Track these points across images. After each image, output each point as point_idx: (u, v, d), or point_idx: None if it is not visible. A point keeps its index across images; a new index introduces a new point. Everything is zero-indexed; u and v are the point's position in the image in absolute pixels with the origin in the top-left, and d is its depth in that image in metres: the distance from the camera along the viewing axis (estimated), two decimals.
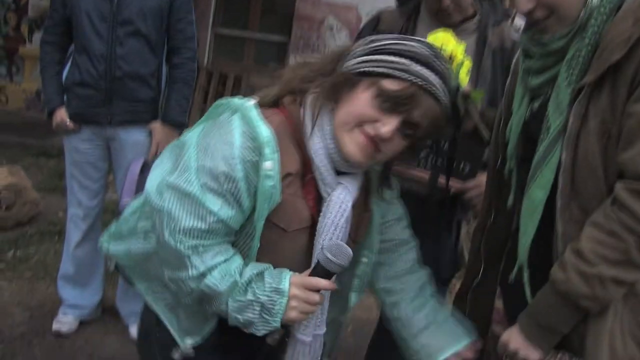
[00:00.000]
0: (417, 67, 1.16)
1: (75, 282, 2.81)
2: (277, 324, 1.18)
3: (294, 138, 1.22)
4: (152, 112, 2.61)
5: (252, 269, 1.19)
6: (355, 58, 1.21)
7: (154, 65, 2.56)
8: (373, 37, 1.24)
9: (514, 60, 1.46)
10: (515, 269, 1.29)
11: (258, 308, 1.17)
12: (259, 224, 1.17)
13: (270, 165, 1.13)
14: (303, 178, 1.23)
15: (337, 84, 1.20)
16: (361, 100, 1.17)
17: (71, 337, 2.77)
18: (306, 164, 1.23)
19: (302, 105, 1.24)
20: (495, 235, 1.44)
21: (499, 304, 1.47)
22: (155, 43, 2.55)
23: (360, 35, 2.03)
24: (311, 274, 1.20)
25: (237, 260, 1.19)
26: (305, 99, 1.23)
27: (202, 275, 1.16)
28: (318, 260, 1.19)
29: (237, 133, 1.14)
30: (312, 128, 1.21)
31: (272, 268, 1.21)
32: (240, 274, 1.18)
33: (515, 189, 1.36)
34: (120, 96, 2.52)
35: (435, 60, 1.19)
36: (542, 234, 1.23)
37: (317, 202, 1.25)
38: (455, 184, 1.87)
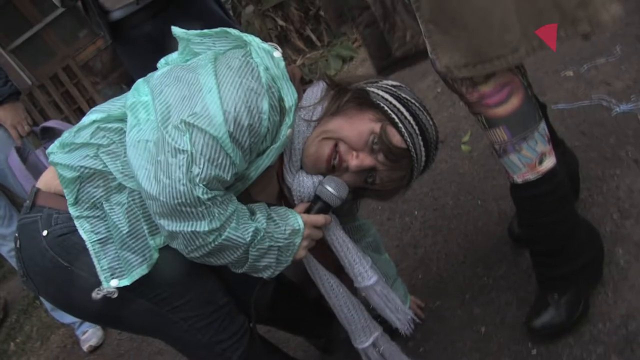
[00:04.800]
0: (421, 143, 1.25)
1: None
2: (288, 264, 1.21)
3: None
4: None
5: (260, 212, 1.17)
6: (381, 90, 1.26)
7: None
8: (399, 85, 1.30)
9: None
10: None
11: (275, 252, 1.17)
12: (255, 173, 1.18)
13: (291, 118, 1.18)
14: None
15: (358, 98, 1.25)
16: (362, 126, 1.23)
17: (106, 342, 2.74)
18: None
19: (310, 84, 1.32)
20: None
21: None
22: None
23: None
24: (311, 210, 1.26)
25: (242, 206, 1.15)
26: (319, 82, 1.31)
27: (222, 227, 1.08)
28: (318, 196, 1.25)
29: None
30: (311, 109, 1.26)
31: (269, 207, 1.22)
32: (256, 221, 1.15)
33: None
34: None
35: (434, 148, 1.29)
36: None
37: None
38: None
